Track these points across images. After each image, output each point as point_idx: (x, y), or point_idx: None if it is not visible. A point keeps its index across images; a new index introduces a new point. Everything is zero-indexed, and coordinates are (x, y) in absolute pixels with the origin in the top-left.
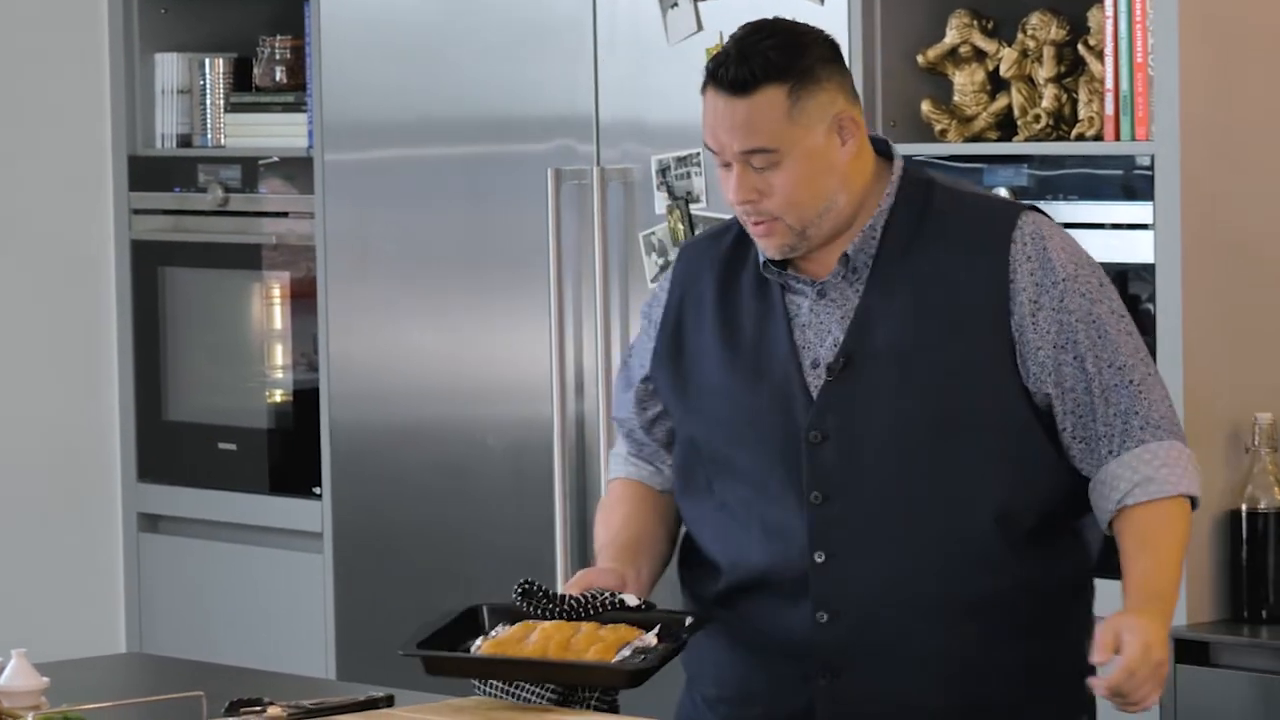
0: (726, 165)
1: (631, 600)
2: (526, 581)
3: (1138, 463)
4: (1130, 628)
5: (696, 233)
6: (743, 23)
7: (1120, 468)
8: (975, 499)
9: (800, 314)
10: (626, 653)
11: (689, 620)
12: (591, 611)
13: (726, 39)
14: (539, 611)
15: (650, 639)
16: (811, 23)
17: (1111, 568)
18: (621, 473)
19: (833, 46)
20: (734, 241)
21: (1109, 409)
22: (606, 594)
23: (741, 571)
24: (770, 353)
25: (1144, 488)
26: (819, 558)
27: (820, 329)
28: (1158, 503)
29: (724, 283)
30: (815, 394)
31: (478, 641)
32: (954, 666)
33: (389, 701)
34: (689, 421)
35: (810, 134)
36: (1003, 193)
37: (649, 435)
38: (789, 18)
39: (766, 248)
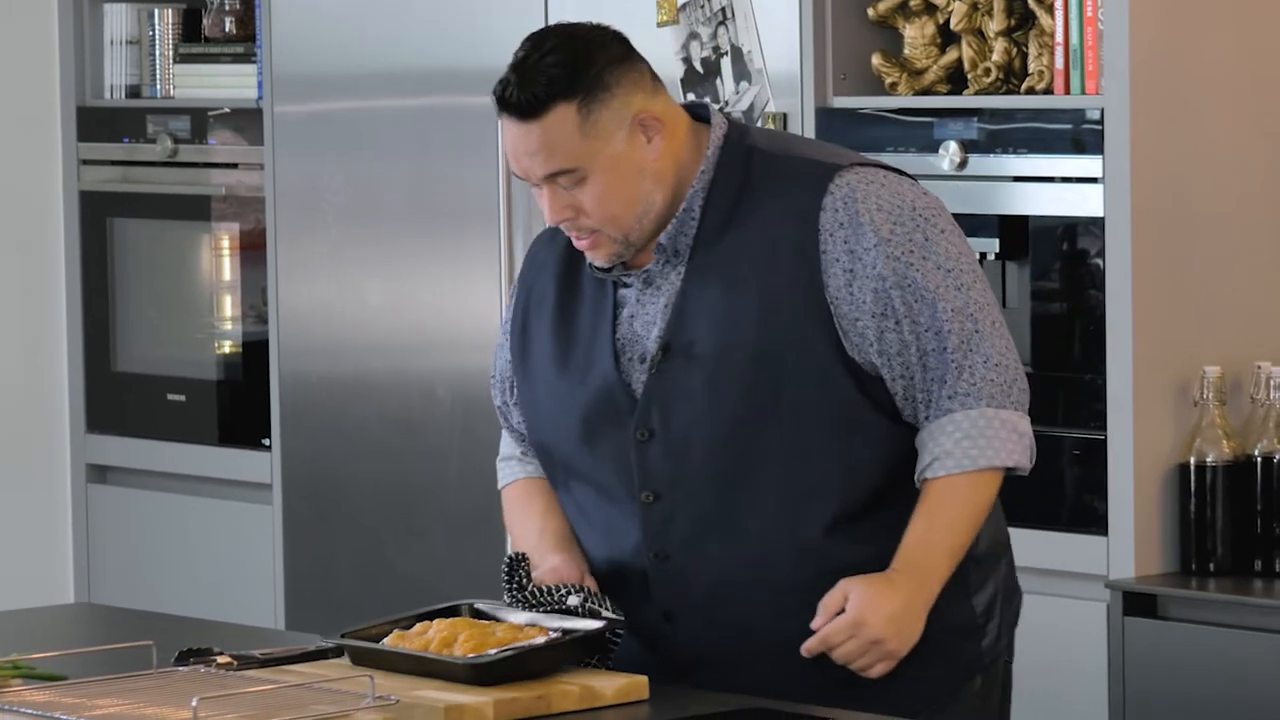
0: (538, 186)
1: (605, 615)
2: (511, 560)
3: (940, 434)
4: (857, 597)
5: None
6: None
7: (926, 437)
8: (809, 485)
9: (628, 304)
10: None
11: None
12: (573, 605)
13: (518, 51)
14: (522, 600)
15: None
16: None
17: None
18: (514, 475)
19: (621, 42)
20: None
21: (926, 375)
22: (587, 596)
23: (596, 569)
24: (598, 350)
25: (941, 462)
26: (655, 558)
27: (646, 320)
28: (951, 477)
29: (564, 278)
30: (640, 391)
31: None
32: (795, 650)
33: (338, 652)
34: (537, 426)
35: (609, 143)
36: (951, 148)
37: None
38: (574, 26)
39: (595, 259)
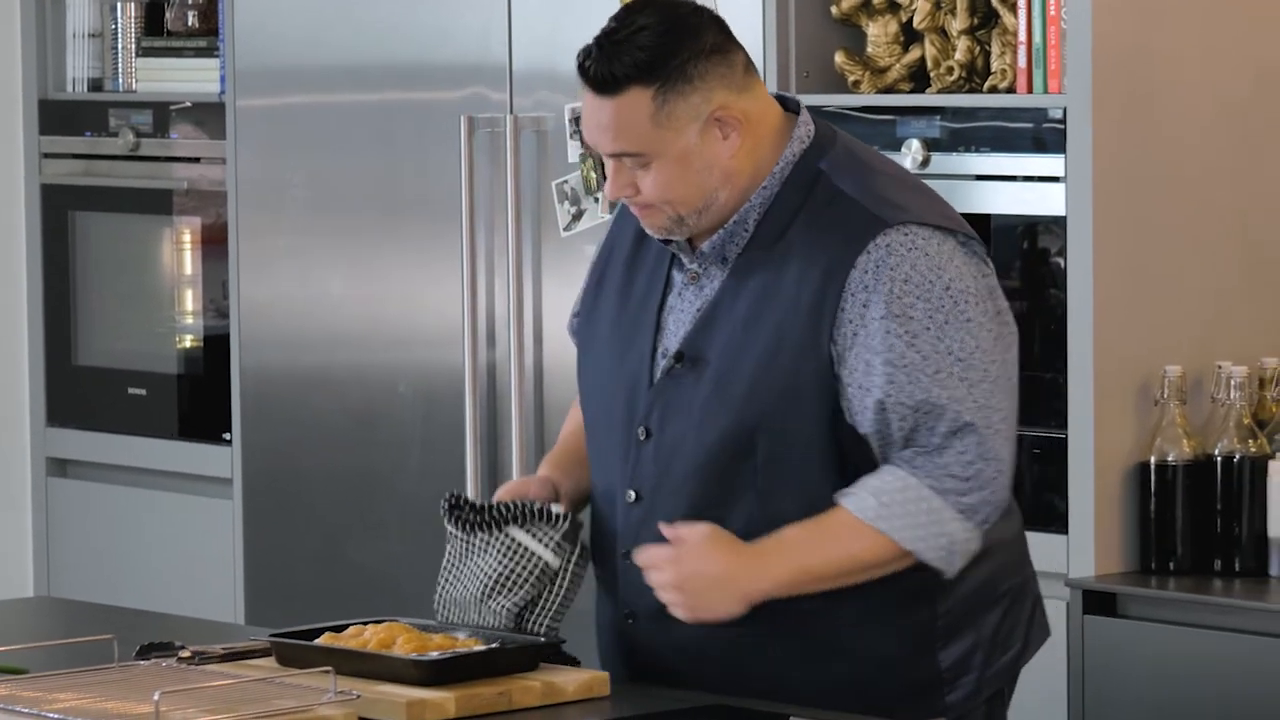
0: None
1: (556, 509)
2: (453, 495)
3: (878, 476)
4: (692, 541)
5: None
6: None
7: (873, 471)
8: (773, 517)
9: (674, 292)
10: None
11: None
12: (513, 519)
13: (611, 19)
14: (463, 523)
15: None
16: None
17: None
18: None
19: (717, 30)
20: None
21: (904, 442)
22: (534, 503)
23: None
24: (639, 332)
25: (857, 497)
26: (624, 557)
27: (680, 318)
28: (854, 515)
29: (639, 239)
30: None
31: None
32: (751, 684)
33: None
34: (583, 377)
35: (681, 136)
36: (914, 146)
37: None
38: (674, 2)
39: (650, 229)
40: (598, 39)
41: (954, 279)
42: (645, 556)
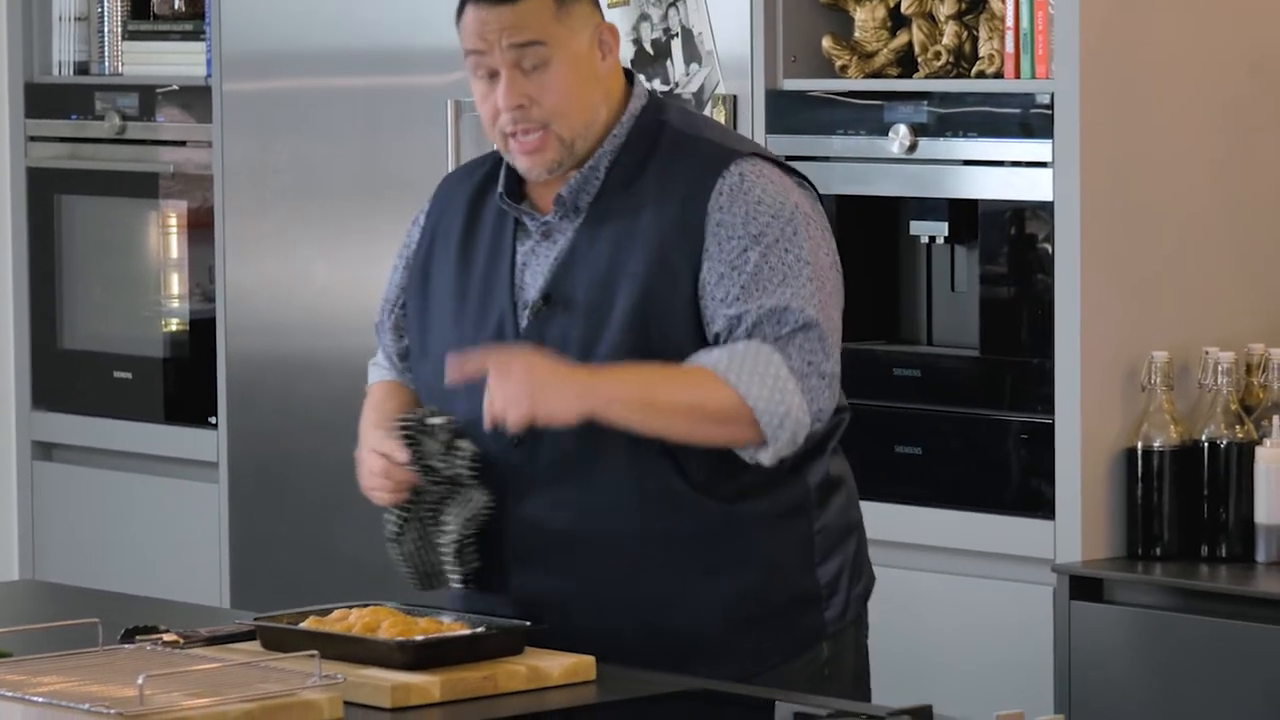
0: (491, 76)
1: (438, 420)
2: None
3: (741, 345)
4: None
5: None
6: None
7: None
8: (659, 444)
9: (522, 254)
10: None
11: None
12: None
13: None
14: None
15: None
16: None
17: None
18: (378, 377)
19: None
20: (486, 176)
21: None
22: (424, 411)
23: None
24: (492, 296)
25: (713, 360)
26: (513, 500)
27: (536, 270)
28: (703, 366)
29: (470, 218)
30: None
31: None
32: (647, 604)
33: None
34: (425, 365)
35: (576, 38)
36: (901, 131)
37: (403, 364)
38: None
39: (532, 165)
40: None
41: (799, 204)
42: (486, 356)
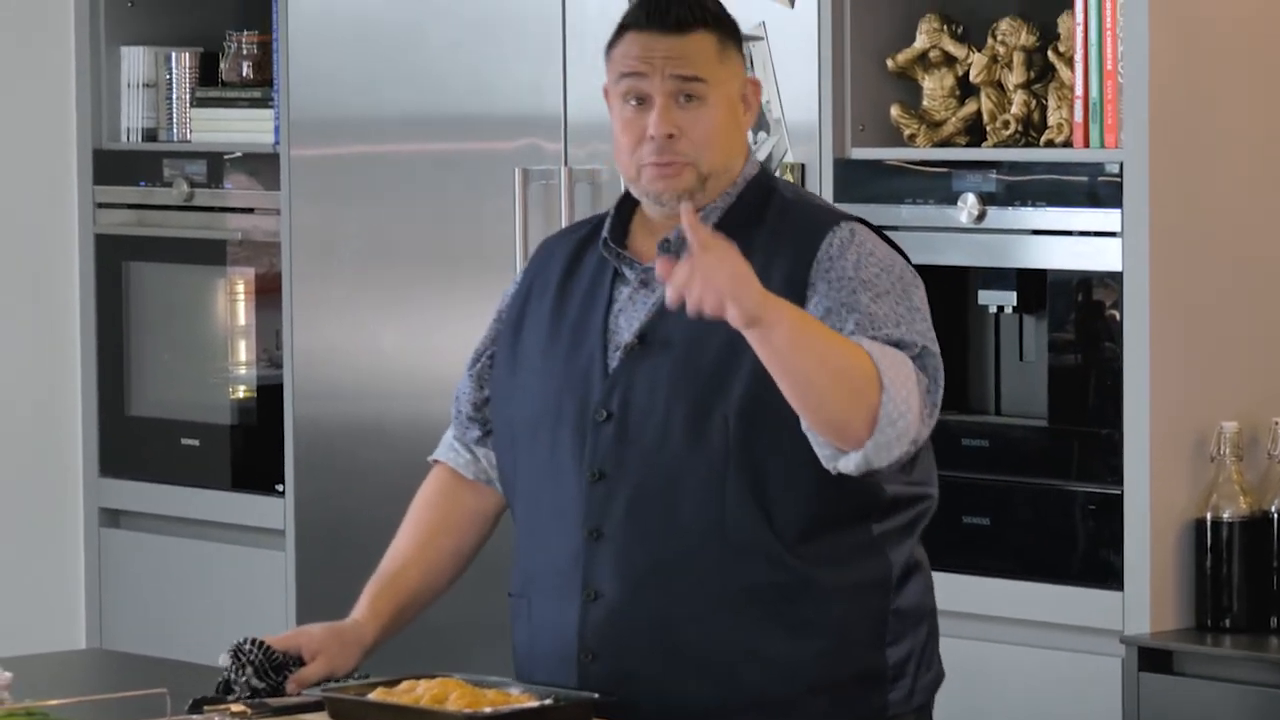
0: (641, 102)
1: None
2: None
3: (865, 339)
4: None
5: None
6: None
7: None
8: (745, 488)
9: (620, 300)
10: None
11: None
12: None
13: None
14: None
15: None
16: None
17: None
18: (442, 455)
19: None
20: (586, 235)
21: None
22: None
23: (531, 556)
24: (585, 334)
25: (864, 340)
26: (590, 535)
27: (631, 315)
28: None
29: (569, 269)
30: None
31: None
32: (716, 658)
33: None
34: (512, 402)
35: (730, 84)
36: (970, 200)
37: (477, 415)
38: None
39: (666, 187)
40: None
41: (906, 267)
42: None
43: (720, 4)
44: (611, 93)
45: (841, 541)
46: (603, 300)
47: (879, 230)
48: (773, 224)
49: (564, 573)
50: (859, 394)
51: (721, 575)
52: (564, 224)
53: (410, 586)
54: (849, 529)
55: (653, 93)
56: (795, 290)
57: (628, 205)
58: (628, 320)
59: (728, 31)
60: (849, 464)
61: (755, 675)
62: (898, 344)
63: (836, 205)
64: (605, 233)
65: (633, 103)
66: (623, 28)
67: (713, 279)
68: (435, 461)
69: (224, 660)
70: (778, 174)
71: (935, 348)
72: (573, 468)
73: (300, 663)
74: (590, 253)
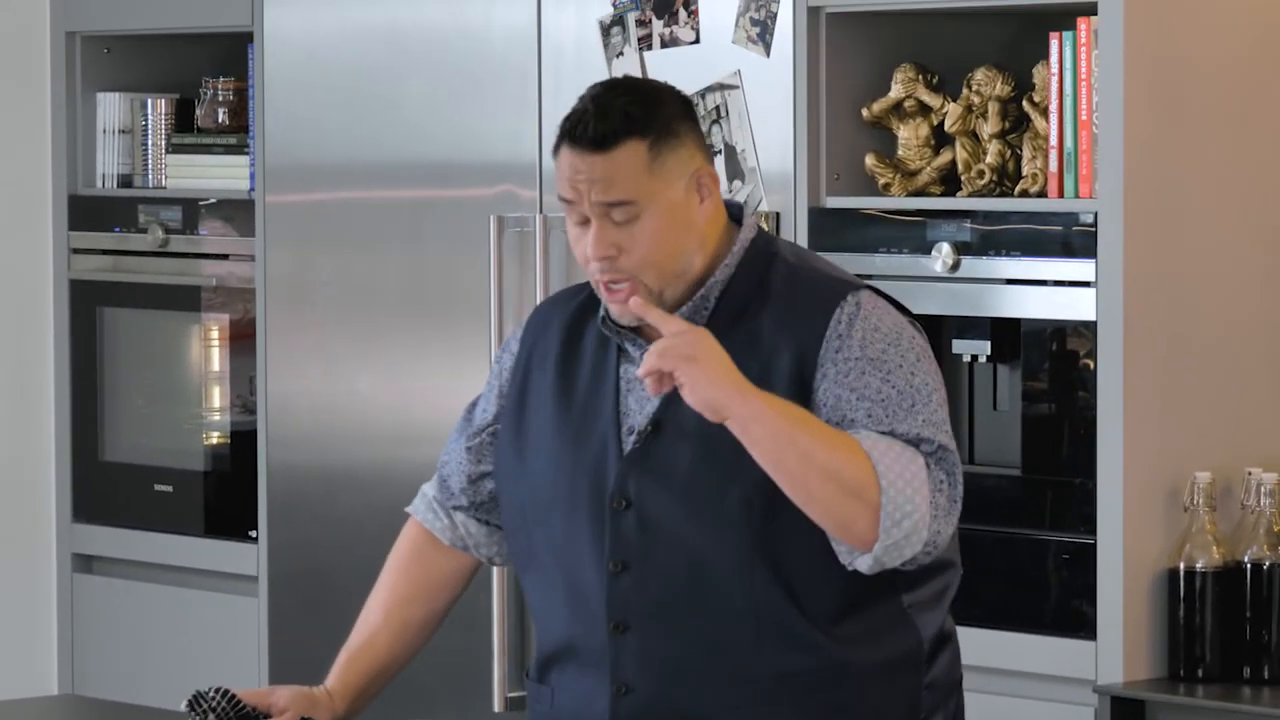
0: (582, 223)
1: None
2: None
3: (887, 437)
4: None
5: None
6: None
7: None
8: (774, 577)
9: (627, 378)
10: None
11: None
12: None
13: (581, 98)
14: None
15: None
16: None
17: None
18: (419, 513)
19: (686, 104)
20: (585, 301)
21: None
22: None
23: (551, 641)
24: (596, 417)
25: (865, 436)
26: (616, 628)
27: (642, 396)
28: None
29: (568, 342)
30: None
31: None
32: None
33: None
34: (522, 483)
35: (670, 189)
36: (944, 249)
37: (467, 487)
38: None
39: (622, 313)
40: (585, 104)
41: (913, 337)
42: (661, 314)
43: (653, 103)
44: None
45: (874, 617)
46: (610, 380)
47: (885, 295)
48: (777, 299)
49: (589, 665)
50: (854, 494)
51: (756, 663)
52: (539, 272)
53: (379, 659)
54: (880, 603)
55: (587, 214)
56: (806, 371)
57: None
58: (638, 401)
59: (661, 133)
60: (862, 564)
61: None
62: (915, 441)
63: (837, 268)
64: (602, 312)
65: (575, 220)
66: (559, 135)
67: (679, 364)
68: (410, 514)
69: (183, 707)
70: None
71: (951, 441)
72: (592, 557)
73: (264, 717)
74: (590, 324)
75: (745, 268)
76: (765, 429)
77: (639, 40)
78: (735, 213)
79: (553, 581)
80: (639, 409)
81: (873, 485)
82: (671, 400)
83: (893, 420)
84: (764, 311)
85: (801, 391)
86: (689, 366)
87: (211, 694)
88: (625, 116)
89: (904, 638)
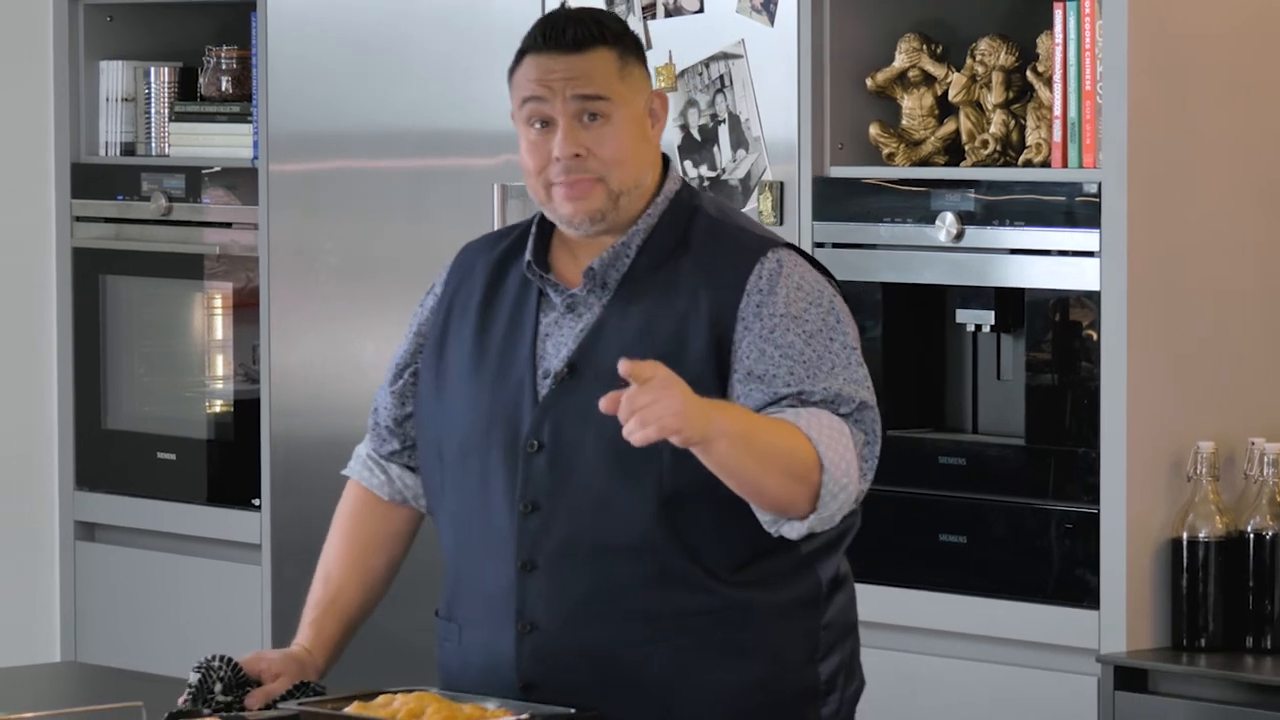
0: (545, 125)
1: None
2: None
3: (812, 409)
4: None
5: None
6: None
7: (780, 412)
8: (680, 521)
9: (545, 325)
10: None
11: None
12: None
13: (543, 17)
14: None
15: None
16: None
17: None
18: (355, 473)
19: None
20: (509, 247)
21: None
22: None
23: (460, 579)
24: (513, 360)
25: (794, 416)
26: (524, 567)
27: (559, 341)
28: (784, 419)
29: (491, 285)
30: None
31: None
32: (654, 686)
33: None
34: (438, 422)
35: (635, 99)
36: (948, 220)
37: (398, 429)
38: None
39: (576, 211)
40: (557, 14)
41: (834, 295)
42: (631, 364)
43: (620, 20)
44: (516, 117)
45: (773, 564)
46: (529, 324)
47: (806, 254)
48: (699, 251)
49: (497, 603)
50: (800, 480)
51: (657, 603)
52: None
53: (350, 609)
54: (780, 553)
55: (555, 115)
56: (723, 322)
57: (548, 224)
58: (555, 346)
59: (629, 48)
60: (791, 530)
61: (694, 702)
62: (835, 398)
63: (761, 226)
64: (529, 255)
65: (537, 126)
66: (522, 52)
67: (655, 416)
68: (348, 479)
69: (193, 677)
70: (755, 193)
71: (871, 396)
72: (504, 498)
73: (259, 685)
74: (513, 269)
75: (668, 218)
76: (729, 443)
77: (643, 9)
78: (664, 163)
79: (464, 520)
80: (555, 353)
81: (816, 467)
82: (587, 344)
83: (813, 379)
84: (684, 261)
85: (718, 342)
86: (678, 422)
87: (217, 662)
88: (598, 23)
89: (803, 582)
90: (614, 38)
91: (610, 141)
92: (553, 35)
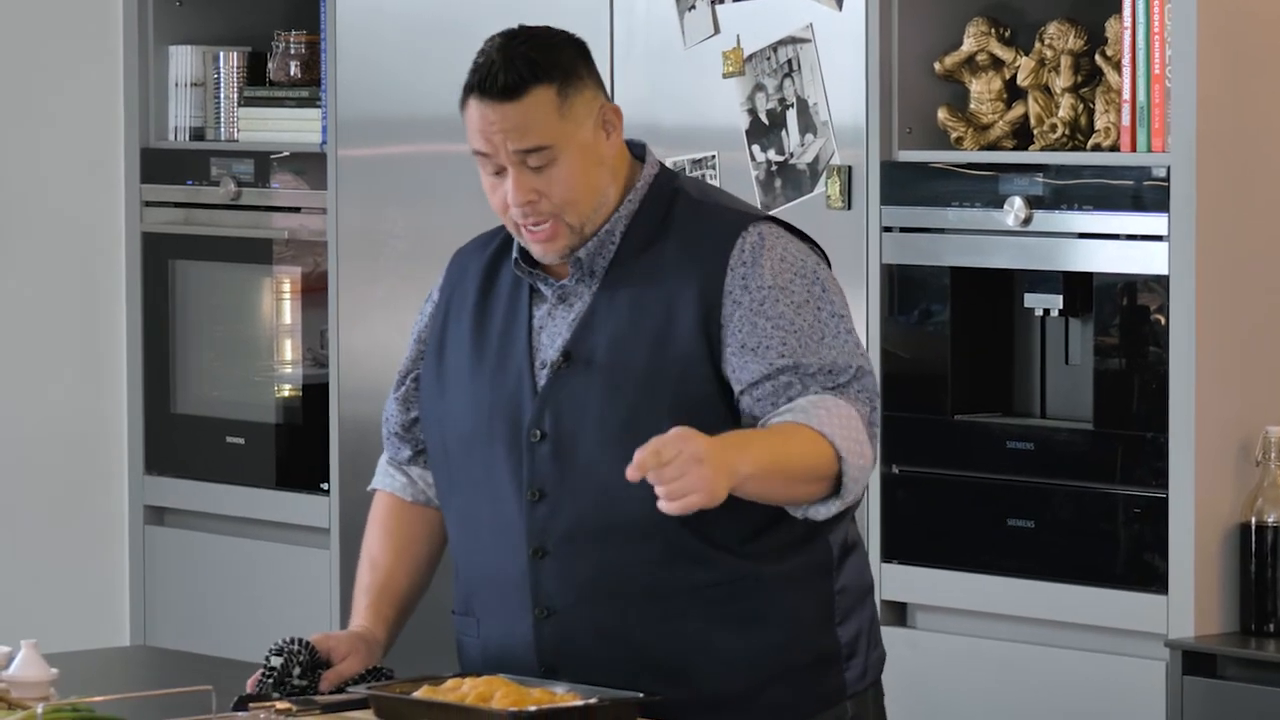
0: (498, 173)
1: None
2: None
3: (815, 398)
4: (670, 436)
5: None
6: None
7: (787, 409)
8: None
9: (539, 317)
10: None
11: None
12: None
13: (482, 50)
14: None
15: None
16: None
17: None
18: (380, 484)
19: (582, 45)
20: (499, 247)
21: (803, 389)
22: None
23: (473, 572)
24: (510, 354)
25: (803, 414)
26: (535, 554)
27: (553, 332)
28: (793, 424)
29: (484, 286)
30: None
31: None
32: (673, 661)
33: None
34: (443, 421)
35: (580, 129)
36: (1016, 204)
37: (407, 435)
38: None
39: (546, 251)
40: (488, 56)
41: (818, 263)
42: (650, 448)
43: (553, 49)
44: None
45: (781, 535)
46: (523, 318)
47: (788, 225)
48: (681, 231)
49: (512, 591)
50: (823, 479)
51: (668, 580)
52: None
53: (401, 592)
54: (786, 524)
55: (503, 163)
56: (710, 299)
57: None
58: (550, 337)
59: (568, 76)
60: (817, 514)
61: (714, 673)
62: (831, 366)
63: (741, 202)
64: (515, 253)
65: (490, 171)
66: (466, 89)
67: (682, 492)
68: (375, 491)
69: (275, 661)
70: (823, 177)
71: (866, 361)
72: (511, 488)
73: (329, 667)
74: (504, 267)
75: (649, 203)
76: (758, 483)
77: None
78: (638, 152)
79: (474, 513)
80: (550, 344)
81: (834, 461)
82: (580, 332)
83: (806, 349)
84: (668, 244)
85: (706, 318)
86: (709, 490)
87: (296, 645)
88: (530, 64)
89: (814, 550)
90: (547, 74)
91: (559, 184)
92: (488, 84)
